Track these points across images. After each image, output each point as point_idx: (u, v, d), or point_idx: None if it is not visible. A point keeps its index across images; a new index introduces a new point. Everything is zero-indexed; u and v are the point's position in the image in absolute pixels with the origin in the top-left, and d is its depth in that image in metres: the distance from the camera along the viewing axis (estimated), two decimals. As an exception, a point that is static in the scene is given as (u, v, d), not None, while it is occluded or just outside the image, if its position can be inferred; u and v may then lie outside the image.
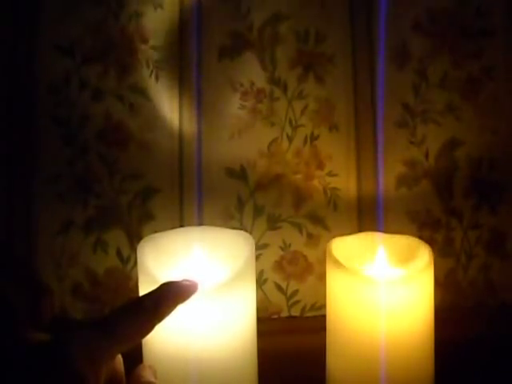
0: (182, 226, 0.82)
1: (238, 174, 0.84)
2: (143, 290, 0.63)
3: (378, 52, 0.85)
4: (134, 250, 0.81)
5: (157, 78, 0.83)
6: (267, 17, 0.84)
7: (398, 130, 0.85)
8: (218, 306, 0.60)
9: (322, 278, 0.80)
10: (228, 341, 0.61)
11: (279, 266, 0.84)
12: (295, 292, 0.85)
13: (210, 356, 0.61)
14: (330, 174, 0.85)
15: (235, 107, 0.84)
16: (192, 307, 0.59)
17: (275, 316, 0.85)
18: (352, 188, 0.84)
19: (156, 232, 0.68)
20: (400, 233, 0.73)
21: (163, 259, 0.64)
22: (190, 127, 0.83)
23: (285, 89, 0.84)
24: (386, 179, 0.85)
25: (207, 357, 0.61)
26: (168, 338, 0.61)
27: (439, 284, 0.84)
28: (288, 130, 0.84)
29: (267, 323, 0.82)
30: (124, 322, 0.49)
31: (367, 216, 0.84)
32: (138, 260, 0.63)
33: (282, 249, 0.84)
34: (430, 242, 0.77)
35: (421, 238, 0.73)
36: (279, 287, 0.84)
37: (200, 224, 0.81)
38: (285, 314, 0.85)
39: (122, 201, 0.82)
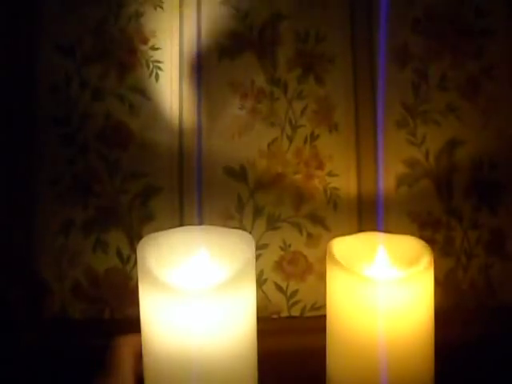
0: (182, 225, 0.81)
1: (238, 173, 0.84)
2: (143, 290, 0.63)
3: (378, 52, 0.85)
4: (133, 250, 0.81)
5: (157, 78, 0.83)
6: (267, 17, 0.84)
7: (398, 129, 0.85)
8: (218, 305, 0.60)
9: (322, 278, 0.80)
10: (228, 341, 0.61)
11: (279, 266, 0.84)
12: (295, 292, 0.85)
13: (210, 356, 0.61)
14: (330, 174, 0.85)
15: (235, 107, 0.84)
16: (192, 307, 0.59)
17: (275, 316, 0.85)
18: (352, 188, 0.84)
19: (156, 232, 0.68)
20: (400, 233, 0.73)
21: (163, 258, 0.64)
22: (189, 127, 0.83)
23: (285, 89, 0.84)
24: (386, 179, 0.85)
25: (207, 357, 0.61)
26: (168, 337, 0.61)
27: (439, 284, 0.84)
28: (288, 130, 0.84)
29: (267, 323, 0.82)
30: None
31: (367, 216, 0.84)
32: (138, 259, 0.63)
33: (282, 249, 0.84)
34: (430, 241, 0.76)
35: (421, 237, 0.72)
36: (279, 287, 0.84)
37: (200, 224, 0.81)
38: (285, 314, 0.85)
39: (122, 201, 0.83)
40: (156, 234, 0.67)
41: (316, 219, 0.84)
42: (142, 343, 0.64)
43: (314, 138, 0.84)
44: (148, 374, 0.64)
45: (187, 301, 0.60)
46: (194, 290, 0.60)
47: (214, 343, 0.61)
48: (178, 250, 0.66)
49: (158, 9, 0.83)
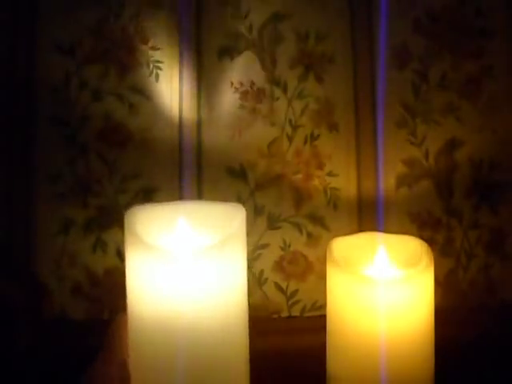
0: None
1: (238, 173, 0.84)
2: (130, 253, 0.61)
3: (378, 52, 0.85)
4: (133, 249, 0.81)
5: (157, 78, 0.83)
6: (267, 17, 0.84)
7: (398, 130, 0.85)
8: (207, 269, 0.58)
9: (322, 277, 0.80)
10: (216, 307, 0.59)
11: (279, 266, 0.84)
12: (295, 292, 0.85)
13: (199, 322, 0.58)
14: (330, 174, 0.85)
15: (235, 107, 0.84)
16: (181, 270, 0.57)
17: (275, 316, 0.85)
18: (352, 188, 0.85)
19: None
20: (400, 233, 0.73)
21: (152, 227, 0.62)
22: (189, 127, 0.83)
23: (285, 89, 0.84)
24: (386, 179, 0.85)
25: (197, 323, 0.58)
26: (155, 302, 0.59)
27: (439, 284, 0.84)
28: (288, 129, 0.84)
29: (267, 323, 0.82)
30: None
31: (367, 216, 0.84)
32: (126, 224, 0.61)
33: (282, 249, 0.84)
34: (430, 241, 0.76)
35: (421, 237, 0.72)
36: (279, 287, 0.84)
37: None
38: (285, 313, 0.85)
39: (121, 200, 0.82)
40: (147, 205, 0.64)
41: (316, 219, 0.84)
42: (128, 311, 0.61)
43: (314, 137, 0.84)
44: (133, 342, 0.62)
45: (174, 263, 0.58)
46: (181, 252, 0.59)
47: (204, 309, 0.59)
48: (167, 221, 0.64)
49: (158, 9, 0.83)
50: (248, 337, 0.64)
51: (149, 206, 0.64)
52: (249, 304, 0.80)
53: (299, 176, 0.84)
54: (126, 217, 0.62)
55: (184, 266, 0.58)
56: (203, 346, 0.59)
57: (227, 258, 0.60)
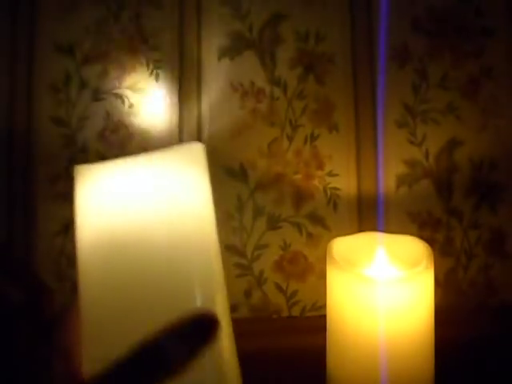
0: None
1: (238, 173, 0.84)
2: (80, 192, 0.56)
3: (378, 52, 0.85)
4: (133, 249, 0.81)
5: (157, 78, 0.83)
6: (267, 17, 0.84)
7: (398, 129, 0.85)
8: (156, 178, 0.52)
9: (322, 277, 0.80)
10: (174, 218, 0.52)
11: (279, 266, 0.84)
12: (295, 292, 0.85)
13: (151, 234, 0.51)
14: (330, 174, 0.85)
15: (235, 107, 0.84)
16: (129, 182, 0.53)
17: (275, 316, 0.85)
18: (352, 188, 0.85)
19: None
20: (400, 233, 0.73)
21: (107, 179, 0.57)
22: (189, 127, 0.83)
23: (285, 89, 0.84)
24: (386, 179, 0.85)
25: (154, 240, 0.51)
26: (103, 226, 0.53)
27: (439, 284, 0.84)
28: (288, 130, 0.84)
29: (267, 323, 0.82)
30: None
31: (367, 216, 0.84)
32: (77, 178, 0.56)
33: (282, 249, 0.84)
34: (430, 241, 0.76)
35: (421, 237, 0.73)
36: (279, 287, 0.84)
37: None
38: (285, 313, 0.85)
39: (121, 201, 0.82)
40: (96, 164, 0.58)
41: (316, 219, 0.84)
42: (76, 232, 0.55)
43: (314, 138, 0.84)
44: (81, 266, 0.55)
45: (124, 175, 0.54)
46: (132, 169, 0.54)
47: (163, 226, 0.52)
48: (118, 177, 0.58)
49: (158, 9, 0.83)
50: (221, 261, 0.52)
51: (98, 164, 0.58)
52: (249, 304, 0.80)
53: (299, 176, 0.84)
54: (75, 171, 0.56)
55: (130, 177, 0.53)
56: (156, 264, 0.51)
57: (188, 178, 0.52)
